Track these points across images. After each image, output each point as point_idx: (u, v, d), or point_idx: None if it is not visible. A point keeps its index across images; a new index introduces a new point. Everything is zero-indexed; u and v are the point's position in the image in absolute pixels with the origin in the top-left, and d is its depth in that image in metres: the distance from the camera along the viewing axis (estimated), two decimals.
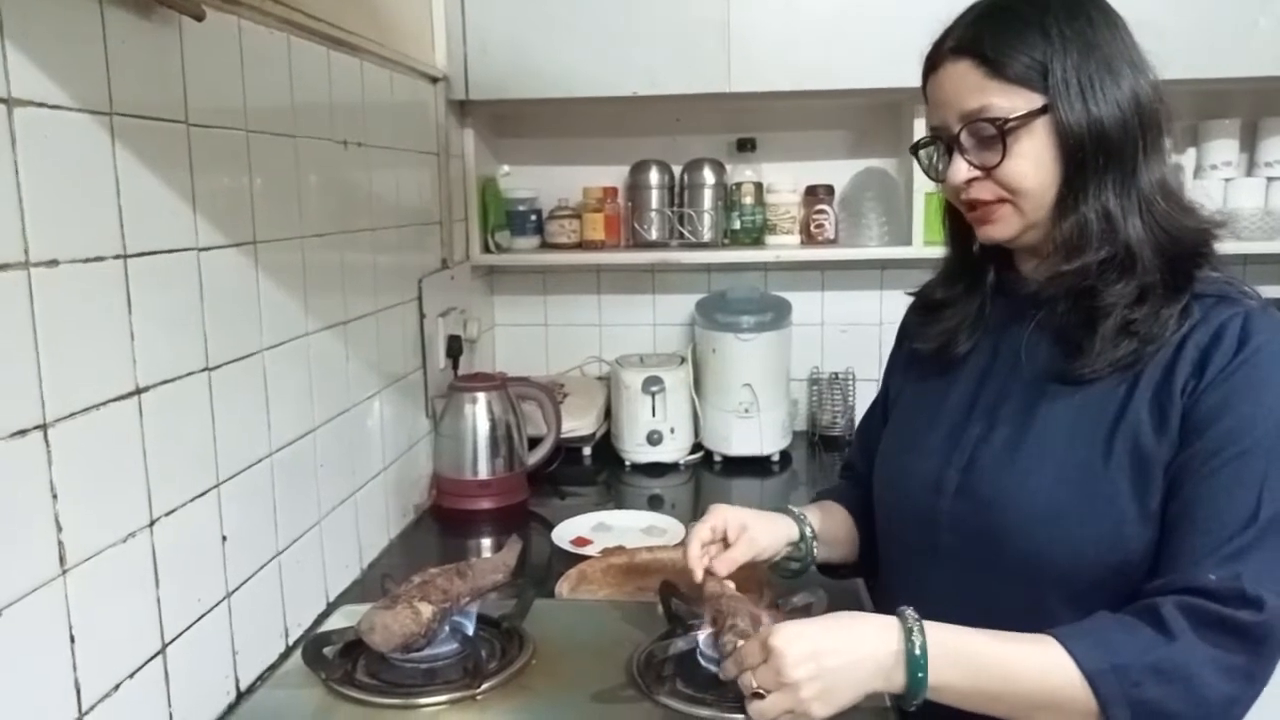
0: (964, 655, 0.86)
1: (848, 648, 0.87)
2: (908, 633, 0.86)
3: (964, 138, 0.96)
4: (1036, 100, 0.93)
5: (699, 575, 1.09)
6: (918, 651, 0.85)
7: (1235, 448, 0.87)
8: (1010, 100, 0.93)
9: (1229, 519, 0.85)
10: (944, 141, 0.99)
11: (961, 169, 0.97)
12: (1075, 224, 0.94)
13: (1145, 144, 0.94)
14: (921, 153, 1.04)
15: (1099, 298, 0.93)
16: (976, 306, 1.07)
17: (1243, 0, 1.80)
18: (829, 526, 1.20)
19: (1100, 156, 0.93)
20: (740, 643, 0.92)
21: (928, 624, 0.87)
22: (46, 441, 0.80)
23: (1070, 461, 0.94)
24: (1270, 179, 2.09)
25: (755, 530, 1.12)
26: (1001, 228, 0.98)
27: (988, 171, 0.96)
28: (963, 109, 0.95)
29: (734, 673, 0.91)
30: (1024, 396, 0.99)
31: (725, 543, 1.12)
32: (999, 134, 0.93)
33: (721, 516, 1.13)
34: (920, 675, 0.85)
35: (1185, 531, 0.87)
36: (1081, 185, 0.94)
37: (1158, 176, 0.95)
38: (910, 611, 0.88)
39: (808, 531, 1.17)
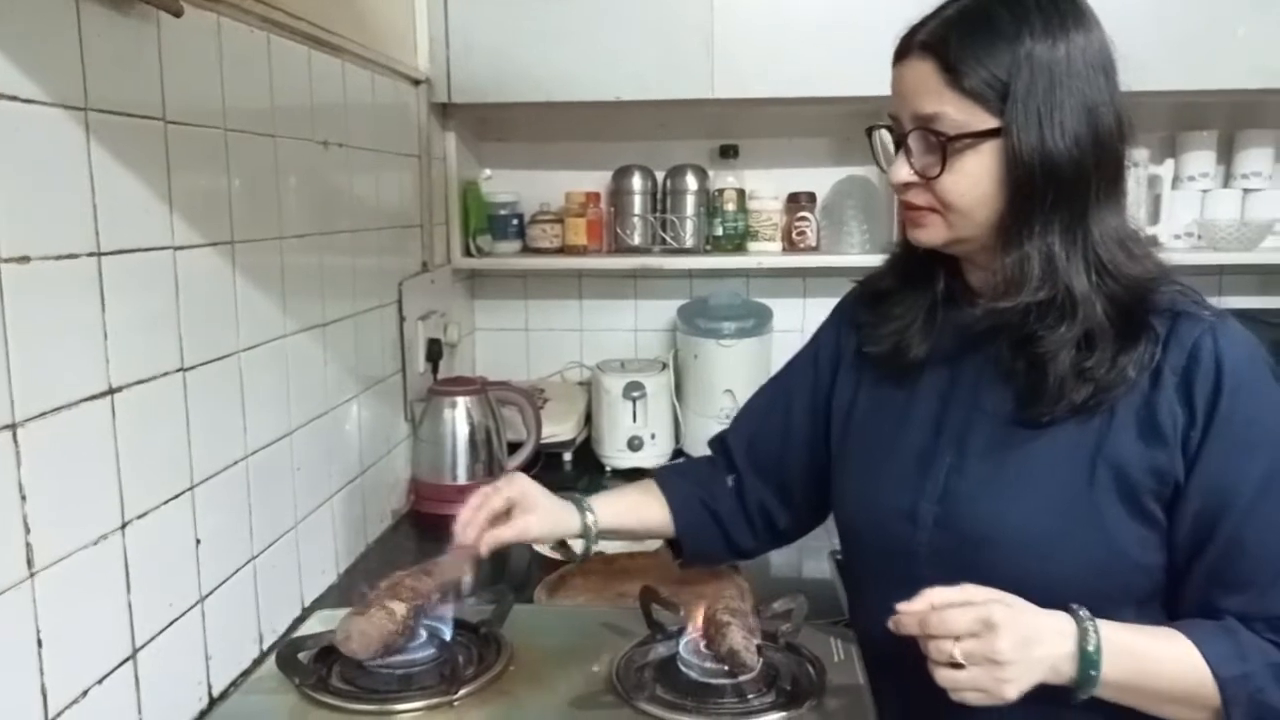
0: (1127, 653, 0.87)
1: (1046, 638, 0.86)
2: (1083, 632, 0.86)
3: (911, 140, 0.94)
4: (989, 120, 0.89)
5: (470, 538, 1.08)
6: (1091, 649, 0.86)
7: (1258, 481, 0.89)
8: (963, 113, 0.89)
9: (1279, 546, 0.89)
10: (894, 134, 0.97)
11: (902, 171, 0.95)
12: (1017, 260, 0.91)
13: (1100, 186, 0.90)
14: (876, 135, 1.01)
15: (1040, 343, 0.91)
16: (926, 308, 1.05)
17: (1220, 13, 1.81)
18: (628, 514, 1.20)
19: (1049, 193, 0.89)
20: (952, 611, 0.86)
21: (1100, 622, 0.87)
22: (15, 441, 0.79)
23: (1053, 491, 0.94)
24: (1246, 190, 2.11)
25: (536, 517, 1.12)
26: (927, 234, 0.97)
27: (926, 180, 0.93)
28: (916, 110, 0.92)
29: (917, 630, 0.86)
30: (992, 430, 0.98)
31: (508, 515, 1.12)
32: (941, 146, 0.91)
33: (518, 490, 1.13)
34: (1093, 674, 0.86)
35: (1234, 556, 0.90)
36: (1027, 220, 0.91)
37: (1113, 224, 0.92)
38: (1084, 611, 0.88)
39: (590, 525, 1.16)
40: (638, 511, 1.22)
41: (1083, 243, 0.91)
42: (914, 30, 0.94)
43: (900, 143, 0.95)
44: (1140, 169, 2.01)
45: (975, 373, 1.01)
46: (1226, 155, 2.15)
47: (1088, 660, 0.86)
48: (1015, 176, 0.90)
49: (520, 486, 1.13)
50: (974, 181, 0.91)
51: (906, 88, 0.94)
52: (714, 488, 1.23)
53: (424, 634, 1.09)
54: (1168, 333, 0.91)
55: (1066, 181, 0.89)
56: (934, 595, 0.87)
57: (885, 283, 1.10)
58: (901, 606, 0.87)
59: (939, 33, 0.91)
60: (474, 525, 1.09)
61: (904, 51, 0.94)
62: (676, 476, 1.26)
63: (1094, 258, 0.91)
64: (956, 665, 0.84)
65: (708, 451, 1.30)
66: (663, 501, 1.22)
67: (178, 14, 0.99)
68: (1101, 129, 0.90)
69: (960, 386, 1.02)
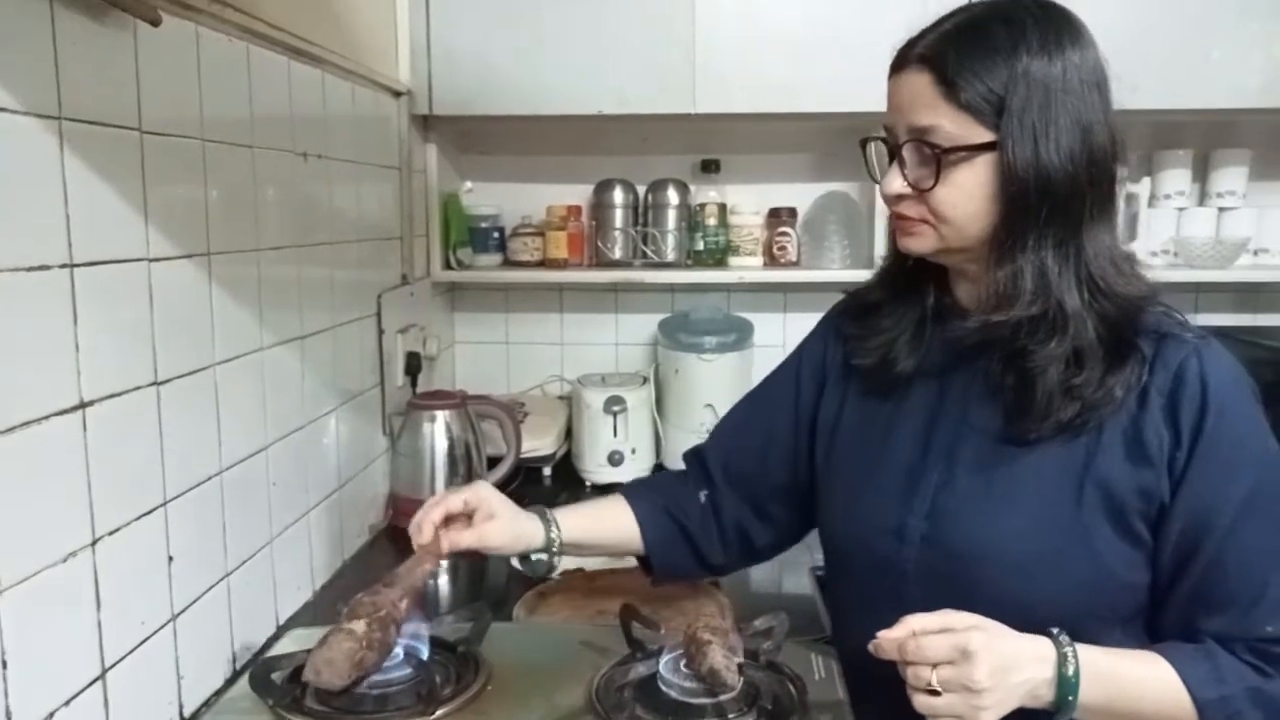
0: (1106, 677, 0.88)
1: (1024, 665, 0.86)
2: (1062, 657, 0.87)
3: (906, 152, 0.94)
4: (985, 135, 0.90)
5: (426, 537, 1.08)
6: (1070, 674, 0.86)
7: (1240, 503, 0.90)
8: (959, 127, 0.90)
9: (1260, 567, 0.90)
10: (889, 146, 0.98)
11: (895, 183, 0.95)
12: (1010, 274, 0.92)
13: (1094, 204, 0.91)
14: (870, 147, 1.01)
15: (1030, 358, 0.92)
16: (915, 321, 1.05)
17: (1197, 33, 1.84)
18: (594, 528, 1.19)
19: (1043, 208, 0.90)
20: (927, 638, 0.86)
21: (1079, 646, 0.88)
22: None
23: (1042, 510, 0.94)
24: (1221, 209, 2.14)
25: (496, 526, 1.10)
26: (917, 242, 0.97)
27: (920, 192, 0.94)
28: (912, 122, 0.93)
29: (896, 656, 0.86)
30: (981, 447, 0.98)
31: (470, 520, 1.11)
32: (935, 159, 0.91)
33: (478, 495, 1.11)
34: (1071, 699, 0.86)
35: (1214, 578, 0.90)
36: (1021, 234, 0.91)
37: (1105, 241, 0.92)
38: (1064, 636, 0.88)
39: (554, 538, 1.14)
40: (603, 525, 1.20)
41: (1075, 259, 0.91)
42: (912, 43, 0.94)
43: (894, 154, 0.96)
44: (1118, 187, 2.03)
45: (963, 388, 1.01)
46: (1202, 174, 2.17)
47: (1066, 685, 0.86)
48: (1009, 191, 0.90)
49: (480, 492, 1.12)
50: (967, 195, 0.92)
51: (903, 99, 0.94)
52: (684, 502, 1.21)
53: (401, 653, 1.07)
54: (1154, 354, 0.92)
55: (1060, 197, 0.90)
56: (914, 621, 0.87)
57: (874, 295, 1.09)
58: (882, 634, 0.87)
59: (937, 46, 0.92)
60: (428, 523, 1.08)
61: (901, 63, 0.95)
62: (645, 490, 1.25)
63: (1086, 274, 0.91)
64: (934, 691, 0.84)
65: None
66: (630, 515, 1.20)
67: (155, 23, 0.97)
68: (1095, 146, 0.90)
69: (949, 401, 1.02)
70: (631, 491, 1.24)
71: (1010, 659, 0.85)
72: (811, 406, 1.16)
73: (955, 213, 0.93)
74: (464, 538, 1.09)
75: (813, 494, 1.16)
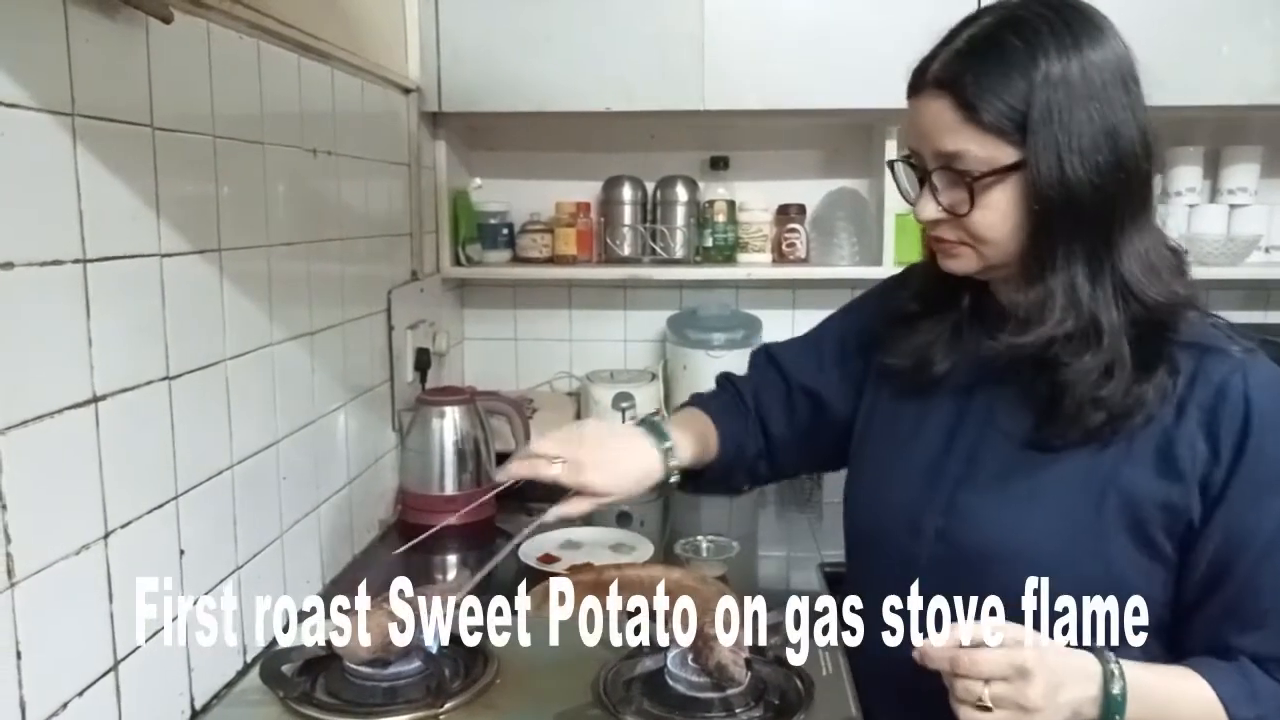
0: (1149, 694, 0.86)
1: (1074, 683, 0.84)
2: (1109, 675, 0.85)
3: (936, 178, 0.91)
4: (1012, 153, 0.86)
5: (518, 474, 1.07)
6: (1117, 692, 0.84)
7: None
8: (986, 149, 0.87)
9: None
10: (916, 169, 0.95)
11: (929, 209, 0.93)
12: (1039, 296, 0.90)
13: (1125, 209, 0.88)
14: (899, 168, 0.98)
15: (1063, 372, 0.90)
16: (951, 325, 1.03)
17: (1206, 30, 1.83)
18: (701, 456, 1.18)
19: (1071, 222, 0.87)
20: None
21: (1124, 664, 0.86)
22: None
23: (1059, 514, 0.93)
24: (1232, 206, 2.12)
25: (599, 480, 1.07)
26: (959, 264, 0.95)
27: (955, 216, 0.91)
28: (938, 148, 0.90)
29: (946, 667, 0.83)
30: (1004, 450, 0.97)
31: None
32: (968, 185, 0.89)
33: (572, 452, 1.07)
34: (1118, 718, 0.84)
35: (1249, 595, 0.89)
36: (1049, 250, 0.89)
37: (1140, 247, 0.89)
38: (1111, 654, 0.86)
39: (672, 471, 1.13)
40: (709, 452, 1.19)
41: (1109, 270, 0.89)
42: (926, 64, 0.91)
43: (924, 178, 0.93)
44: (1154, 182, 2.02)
45: (993, 392, 0.99)
46: (1213, 170, 2.16)
47: (1113, 704, 0.84)
48: (1037, 209, 0.87)
49: (574, 450, 1.07)
50: (1003, 215, 0.89)
51: (925, 125, 0.91)
52: (747, 438, 1.23)
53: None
54: (1195, 368, 0.90)
55: (1088, 210, 0.87)
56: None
57: (912, 306, 1.07)
58: (929, 642, 0.84)
59: (953, 67, 0.88)
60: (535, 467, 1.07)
61: (918, 86, 0.91)
62: (726, 420, 1.23)
63: (1120, 283, 0.89)
64: (984, 707, 0.82)
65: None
66: (716, 441, 1.20)
67: (167, 20, 0.98)
68: (1124, 149, 0.87)
69: (976, 403, 1.01)
70: (718, 419, 1.22)
71: (1061, 677, 0.83)
72: (836, 381, 1.19)
73: (993, 233, 0.91)
74: (572, 508, 1.07)
75: (831, 437, 1.19)
